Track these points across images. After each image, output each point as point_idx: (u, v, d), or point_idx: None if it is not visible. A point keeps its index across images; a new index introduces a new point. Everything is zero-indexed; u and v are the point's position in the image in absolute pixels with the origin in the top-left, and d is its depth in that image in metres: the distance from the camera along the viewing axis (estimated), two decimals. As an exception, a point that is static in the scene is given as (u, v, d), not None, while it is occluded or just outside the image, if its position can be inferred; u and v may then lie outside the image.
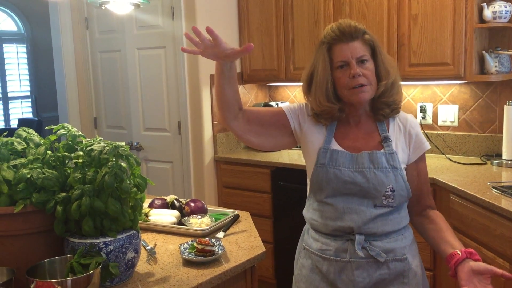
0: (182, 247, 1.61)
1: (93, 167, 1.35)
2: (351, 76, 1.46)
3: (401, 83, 1.58)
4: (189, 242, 1.63)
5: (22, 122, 6.73)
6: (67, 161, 1.42)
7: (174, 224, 1.84)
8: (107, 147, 1.38)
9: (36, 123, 6.43)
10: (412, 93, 3.29)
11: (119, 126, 3.90)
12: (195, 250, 1.57)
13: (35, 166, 1.32)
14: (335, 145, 1.52)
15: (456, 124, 3.17)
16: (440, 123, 3.22)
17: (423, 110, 3.25)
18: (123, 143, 1.40)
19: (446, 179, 2.55)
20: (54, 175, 1.33)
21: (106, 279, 1.32)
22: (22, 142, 1.40)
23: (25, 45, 7.42)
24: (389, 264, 1.47)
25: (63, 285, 1.18)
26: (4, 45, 7.15)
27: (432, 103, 3.23)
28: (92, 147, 1.37)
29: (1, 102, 7.17)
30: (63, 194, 1.32)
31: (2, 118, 7.18)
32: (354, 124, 1.55)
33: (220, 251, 1.56)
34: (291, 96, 3.86)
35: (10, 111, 7.28)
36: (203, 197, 3.49)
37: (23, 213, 1.30)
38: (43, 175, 1.31)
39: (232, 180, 3.45)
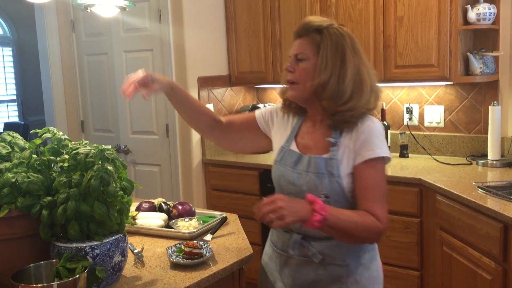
0: (169, 250, 1.60)
1: (79, 171, 1.35)
2: (286, 71, 1.54)
3: (387, 84, 1.58)
4: (177, 245, 1.63)
5: (8, 126, 6.65)
6: (52, 165, 1.41)
7: (162, 227, 1.83)
8: (93, 151, 1.37)
9: (22, 127, 6.37)
10: (399, 94, 3.32)
11: (107, 130, 3.87)
12: (182, 253, 1.57)
13: (20, 170, 1.31)
14: (292, 145, 1.58)
15: (442, 125, 3.20)
16: (426, 124, 3.25)
17: (409, 111, 3.27)
18: (109, 146, 1.39)
19: (432, 180, 2.57)
20: (40, 179, 1.32)
21: (93, 283, 1.31)
22: (7, 146, 1.39)
23: (10, 48, 7.35)
24: (327, 266, 1.50)
25: (49, 290, 1.17)
26: (-11, 48, 7.08)
27: (419, 104, 3.26)
28: (77, 150, 1.36)
29: (-14, 106, 7.09)
30: (49, 198, 1.32)
31: (-12, 121, 7.10)
32: (315, 124, 1.57)
33: (207, 254, 1.56)
34: (279, 98, 3.86)
35: (-4, 115, 7.20)
36: (192, 200, 3.48)
37: (8, 218, 1.29)
38: (28, 179, 1.30)
39: (221, 182, 3.45)
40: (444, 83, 3.10)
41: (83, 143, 1.46)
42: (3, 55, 7.26)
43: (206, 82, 3.54)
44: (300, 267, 1.52)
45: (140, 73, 1.55)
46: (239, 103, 3.85)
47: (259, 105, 3.69)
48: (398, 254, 2.74)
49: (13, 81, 7.39)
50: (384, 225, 1.41)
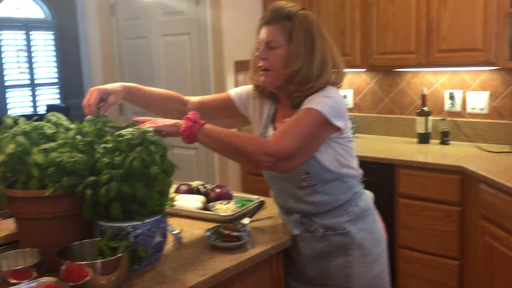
0: (208, 232, 1.61)
1: (121, 152, 1.36)
2: (257, 58, 1.56)
3: (429, 69, 1.57)
4: (215, 228, 1.63)
5: (50, 108, 6.86)
6: (95, 146, 1.44)
7: (200, 209, 1.84)
8: (135, 133, 1.38)
9: (63, 109, 6.54)
10: (441, 80, 3.22)
11: (145, 113, 3.91)
12: (221, 236, 1.58)
13: (65, 150, 1.34)
14: (269, 131, 1.63)
15: (486, 111, 3.09)
16: (469, 110, 3.15)
17: (451, 97, 3.17)
18: (151, 129, 1.40)
19: (475, 168, 2.49)
20: (83, 159, 1.34)
21: (134, 262, 1.33)
22: (52, 126, 1.42)
23: (52, 32, 7.53)
24: (330, 237, 1.58)
25: (93, 268, 1.19)
26: (31, 32, 7.27)
27: (462, 90, 3.16)
28: (121, 132, 1.37)
29: (29, 88, 7.31)
30: (92, 178, 1.34)
31: (31, 104, 7.32)
32: (288, 108, 1.60)
33: (246, 237, 1.56)
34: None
35: (38, 98, 7.42)
36: (227, 184, 3.50)
37: (53, 197, 1.32)
38: (73, 159, 1.32)
39: (256, 167, 3.44)
40: (489, 68, 2.98)
41: (127, 125, 1.47)
42: (44, 39, 7.45)
43: (243, 66, 3.52)
44: (305, 243, 1.60)
45: (93, 95, 1.59)
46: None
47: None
48: (437, 243, 2.68)
49: (54, 64, 7.58)
50: (277, 147, 1.40)
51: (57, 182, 1.33)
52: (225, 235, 1.56)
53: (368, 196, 1.69)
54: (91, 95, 1.59)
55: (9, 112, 6.89)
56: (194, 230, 1.71)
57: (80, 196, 1.33)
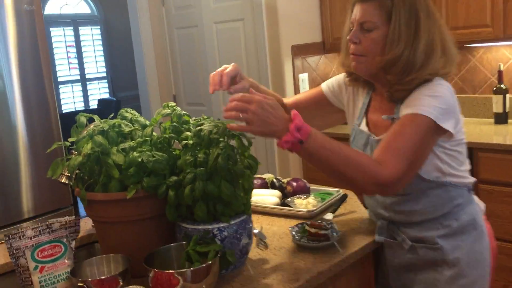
0: (292, 231, 1.50)
1: (203, 148, 1.26)
2: (349, 41, 1.35)
3: (507, 42, 1.34)
4: (299, 225, 1.52)
5: (102, 102, 6.92)
6: (172, 142, 1.34)
7: (277, 205, 1.73)
8: (217, 127, 1.28)
9: (114, 103, 6.59)
10: (519, 54, 2.96)
11: (199, 103, 3.85)
12: (307, 234, 1.46)
13: (144, 149, 1.25)
14: (362, 124, 1.46)
15: None
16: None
17: (531, 72, 2.92)
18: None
19: None
20: (164, 158, 1.25)
21: (223, 268, 1.24)
22: (129, 124, 1.34)
23: (99, 27, 7.59)
24: (418, 250, 1.39)
25: (183, 276, 1.11)
26: (79, 28, 7.35)
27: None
28: (201, 127, 1.27)
29: (80, 84, 7.42)
30: (174, 178, 1.25)
31: (82, 99, 7.43)
32: (385, 98, 1.39)
33: (335, 235, 1.44)
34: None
35: (89, 92, 7.52)
36: (288, 174, 3.38)
37: (135, 199, 1.24)
38: (153, 158, 1.24)
39: (318, 155, 3.30)
40: None
41: (204, 118, 1.38)
42: (92, 34, 7.53)
43: (300, 51, 3.37)
44: (391, 250, 1.44)
45: (229, 68, 1.42)
46: (333, 71, 3.65)
47: (356, 73, 3.49)
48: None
49: (102, 59, 7.65)
50: (390, 175, 1.16)
51: (138, 183, 1.25)
52: (312, 233, 1.44)
53: (476, 208, 1.43)
54: (225, 68, 1.42)
55: (63, 108, 7.00)
56: (274, 228, 1.61)
57: (162, 198, 1.25)
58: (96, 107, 7.03)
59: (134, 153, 1.24)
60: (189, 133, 1.30)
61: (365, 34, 1.32)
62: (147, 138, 1.27)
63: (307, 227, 1.47)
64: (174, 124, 1.33)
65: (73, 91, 7.34)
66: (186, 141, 1.27)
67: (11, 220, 2.43)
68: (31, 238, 1.23)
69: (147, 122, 1.38)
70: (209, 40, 3.63)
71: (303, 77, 3.39)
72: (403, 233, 1.41)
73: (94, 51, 7.58)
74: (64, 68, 7.21)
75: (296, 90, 3.34)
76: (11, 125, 2.43)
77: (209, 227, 1.25)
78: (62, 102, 7.12)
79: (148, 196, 1.25)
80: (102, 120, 1.37)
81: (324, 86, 1.61)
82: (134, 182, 1.24)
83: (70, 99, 7.30)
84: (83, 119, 1.36)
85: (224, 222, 1.25)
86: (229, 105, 1.19)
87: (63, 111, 6.73)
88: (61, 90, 7.16)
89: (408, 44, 1.28)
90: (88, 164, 1.27)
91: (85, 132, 1.28)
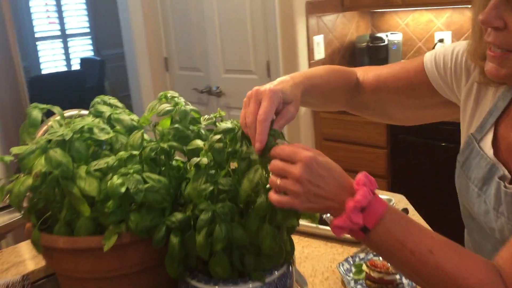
0: (341, 268, 1.07)
1: (222, 169, 0.81)
2: (484, 25, 0.78)
3: None
4: (350, 261, 1.09)
5: (85, 62, 6.36)
6: (172, 152, 0.88)
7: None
8: (238, 132, 0.82)
9: (99, 63, 6.03)
10: None
11: (195, 68, 3.34)
12: (364, 277, 1.03)
13: (131, 170, 0.79)
14: (486, 139, 0.87)
15: None
16: None
17: None
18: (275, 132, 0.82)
19: None
20: (163, 184, 0.79)
21: None
22: (106, 127, 0.86)
23: (80, -22, 6.88)
24: None
25: None
26: (58, -22, 6.65)
27: None
28: (220, 134, 0.81)
29: (60, 40, 6.79)
30: (178, 215, 0.79)
31: (63, 57, 6.82)
32: None
33: (406, 282, 1.01)
34: (402, 25, 3.13)
35: (70, 50, 6.91)
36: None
37: (118, 246, 0.79)
38: (145, 185, 0.78)
39: (335, 131, 2.86)
40: None
41: (219, 115, 0.91)
42: (72, -14, 6.83)
43: (316, 8, 2.86)
44: None
45: (263, 107, 0.82)
46: (351, 32, 3.16)
47: (378, 35, 2.99)
48: None
49: (85, 12, 7.00)
50: None
51: (121, 223, 0.80)
52: (374, 278, 1.01)
53: None
54: (254, 105, 0.83)
55: (42, 67, 6.41)
56: (312, 260, 1.17)
57: (160, 246, 0.80)
58: (78, 67, 6.45)
59: (115, 177, 0.77)
60: (201, 143, 0.84)
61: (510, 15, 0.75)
62: (134, 152, 0.81)
63: (364, 267, 1.04)
64: (177, 126, 0.86)
65: (53, 49, 6.72)
66: (199, 160, 0.81)
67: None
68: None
69: (135, 121, 0.90)
70: (206, -6, 3.08)
71: (318, 39, 2.90)
72: None
73: (76, 4, 6.92)
74: (43, 22, 6.57)
75: (310, 56, 2.85)
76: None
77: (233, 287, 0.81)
78: (41, 60, 6.52)
79: (137, 242, 0.80)
80: (65, 115, 0.90)
81: (428, 58, 1.00)
82: (115, 222, 0.78)
83: (50, 57, 6.69)
84: (36, 113, 0.88)
85: (256, 281, 0.81)
86: (272, 163, 0.74)
87: (42, 72, 6.15)
88: (40, 47, 6.54)
89: None
90: (43, 190, 0.81)
91: (37, 140, 0.81)
